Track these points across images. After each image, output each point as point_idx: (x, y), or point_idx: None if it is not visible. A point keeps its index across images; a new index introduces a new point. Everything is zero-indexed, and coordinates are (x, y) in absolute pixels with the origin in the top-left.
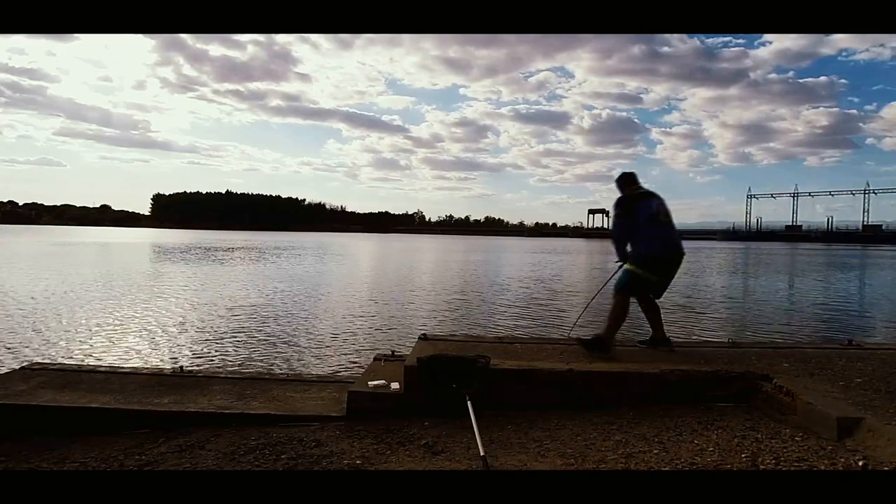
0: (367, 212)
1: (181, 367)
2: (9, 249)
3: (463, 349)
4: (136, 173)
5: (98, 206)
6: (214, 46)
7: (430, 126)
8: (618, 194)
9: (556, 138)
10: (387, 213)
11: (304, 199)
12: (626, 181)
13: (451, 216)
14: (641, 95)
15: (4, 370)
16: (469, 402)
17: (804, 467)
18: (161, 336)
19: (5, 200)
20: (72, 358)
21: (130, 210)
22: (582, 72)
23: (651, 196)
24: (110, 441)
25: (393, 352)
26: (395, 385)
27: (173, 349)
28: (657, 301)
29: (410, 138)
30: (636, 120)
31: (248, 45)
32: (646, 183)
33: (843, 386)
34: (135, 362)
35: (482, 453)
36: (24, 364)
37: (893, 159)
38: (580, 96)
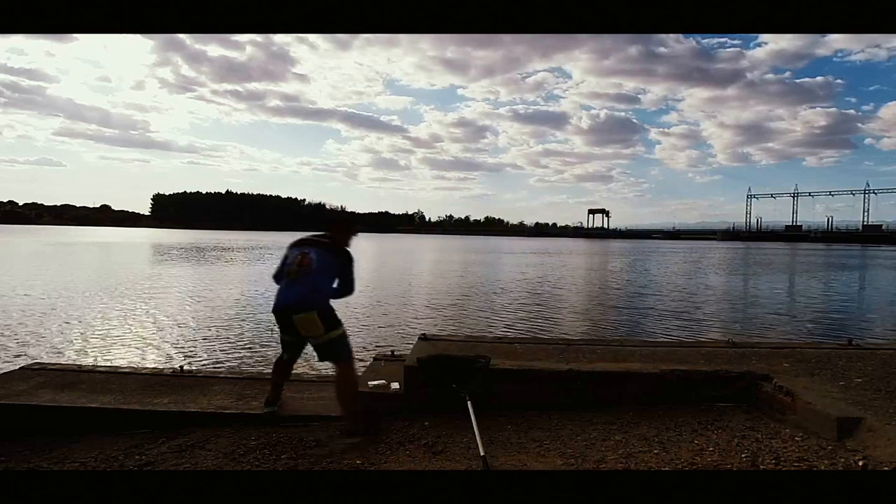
0: (366, 212)
1: (181, 367)
2: (8, 249)
3: (463, 349)
4: (135, 173)
5: (98, 206)
6: (213, 47)
7: (429, 126)
8: None
9: (554, 138)
10: (386, 213)
11: (304, 200)
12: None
13: (450, 216)
14: (639, 96)
15: (4, 370)
16: (469, 403)
17: (804, 467)
18: (161, 336)
19: (5, 200)
20: (72, 358)
21: (130, 210)
22: (579, 72)
23: (301, 244)
24: (110, 441)
25: (393, 352)
26: (395, 385)
27: (173, 349)
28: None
29: (409, 138)
30: (634, 120)
31: (247, 46)
32: (644, 183)
33: (843, 386)
34: (135, 362)
35: (482, 453)
36: (24, 364)
37: (892, 159)
38: (578, 97)
